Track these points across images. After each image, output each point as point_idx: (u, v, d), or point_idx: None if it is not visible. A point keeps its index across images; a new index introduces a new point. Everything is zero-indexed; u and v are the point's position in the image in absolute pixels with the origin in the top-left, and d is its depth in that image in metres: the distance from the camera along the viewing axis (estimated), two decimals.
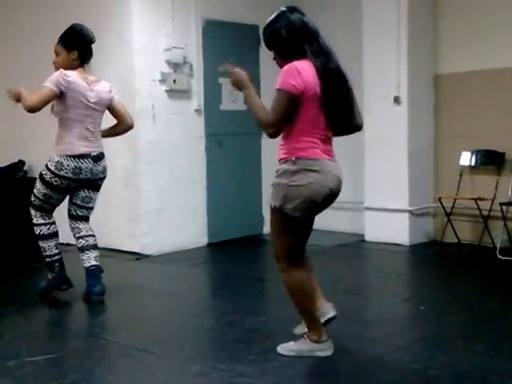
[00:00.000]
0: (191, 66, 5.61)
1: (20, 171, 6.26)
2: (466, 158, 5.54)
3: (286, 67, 2.74)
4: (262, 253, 5.19)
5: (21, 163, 6.26)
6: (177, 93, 5.54)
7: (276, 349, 2.95)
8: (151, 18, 5.40)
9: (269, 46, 2.89)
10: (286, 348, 2.94)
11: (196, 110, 5.69)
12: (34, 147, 6.16)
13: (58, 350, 3.10)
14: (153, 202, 5.43)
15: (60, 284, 3.98)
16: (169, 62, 5.48)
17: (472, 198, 5.30)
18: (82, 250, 3.94)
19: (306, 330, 2.94)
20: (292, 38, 2.78)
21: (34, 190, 3.93)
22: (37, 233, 3.98)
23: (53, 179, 3.83)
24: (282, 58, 2.82)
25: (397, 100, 5.57)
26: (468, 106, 5.55)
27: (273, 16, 2.85)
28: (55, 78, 3.73)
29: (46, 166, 3.84)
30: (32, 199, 3.96)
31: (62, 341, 3.32)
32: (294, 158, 2.76)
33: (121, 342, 3.25)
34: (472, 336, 3.21)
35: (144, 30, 5.36)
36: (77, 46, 3.84)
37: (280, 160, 2.82)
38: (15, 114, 6.32)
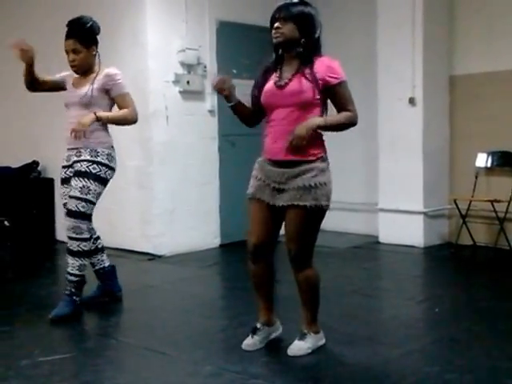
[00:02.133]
0: (205, 67, 5.61)
1: (34, 171, 6.30)
2: (482, 160, 5.48)
3: (329, 60, 2.81)
4: (275, 254, 5.16)
5: (35, 163, 6.30)
6: (190, 94, 5.54)
7: (288, 352, 2.93)
8: (165, 19, 5.41)
9: (289, 19, 2.80)
10: (301, 349, 2.93)
11: (209, 111, 5.69)
12: (47, 147, 6.19)
13: (70, 350, 3.10)
14: (165, 203, 5.43)
15: (81, 307, 3.72)
16: (182, 64, 5.48)
17: (488, 200, 5.24)
18: (102, 250, 3.89)
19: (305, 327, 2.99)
20: (318, 30, 2.86)
21: (88, 196, 3.53)
22: (86, 248, 3.58)
23: (107, 173, 3.62)
24: (295, 41, 2.81)
25: (412, 101, 5.52)
26: (484, 108, 5.49)
27: (300, 0, 2.85)
28: (123, 79, 3.65)
29: (98, 162, 3.57)
30: (85, 209, 3.53)
31: (74, 341, 3.32)
32: (324, 155, 2.85)
33: (133, 342, 3.24)
34: (488, 339, 3.15)
35: (158, 32, 5.37)
36: (94, 40, 3.66)
37: (308, 158, 2.80)
38: (29, 114, 6.41)
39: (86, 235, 3.57)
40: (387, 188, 5.72)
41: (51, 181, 6.28)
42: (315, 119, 2.76)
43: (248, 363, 2.85)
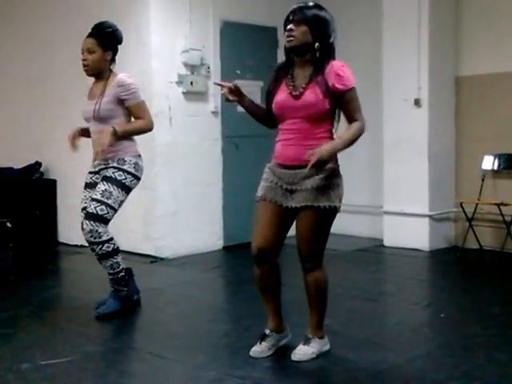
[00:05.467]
0: (208, 67, 5.58)
1: (36, 172, 6.28)
2: (489, 162, 5.43)
3: (341, 65, 2.78)
4: (279, 256, 5.12)
5: (37, 164, 6.28)
6: (194, 95, 5.51)
7: (292, 357, 2.89)
8: (169, 19, 5.38)
9: (302, 22, 2.74)
10: (306, 354, 2.90)
11: (213, 112, 5.65)
12: (50, 149, 6.17)
13: (72, 354, 3.06)
14: (168, 205, 5.40)
15: (132, 297, 3.76)
16: (186, 64, 5.45)
17: (494, 203, 5.19)
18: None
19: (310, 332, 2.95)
20: (333, 36, 2.85)
21: (108, 201, 3.51)
22: (110, 249, 3.56)
23: (132, 182, 3.62)
24: (308, 45, 2.76)
25: (417, 102, 5.48)
26: (490, 109, 5.45)
27: (315, 4, 2.82)
28: (138, 87, 3.60)
29: (124, 170, 3.58)
30: (104, 213, 3.50)
31: (77, 344, 3.27)
32: (335, 157, 2.82)
33: (135, 346, 3.21)
34: (496, 345, 3.11)
35: (162, 32, 5.34)
36: (113, 46, 3.64)
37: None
38: (32, 115, 6.39)
39: (105, 237, 3.53)
40: (392, 190, 5.67)
41: (54, 182, 6.26)
42: (336, 144, 2.72)
43: (252, 368, 2.81)
